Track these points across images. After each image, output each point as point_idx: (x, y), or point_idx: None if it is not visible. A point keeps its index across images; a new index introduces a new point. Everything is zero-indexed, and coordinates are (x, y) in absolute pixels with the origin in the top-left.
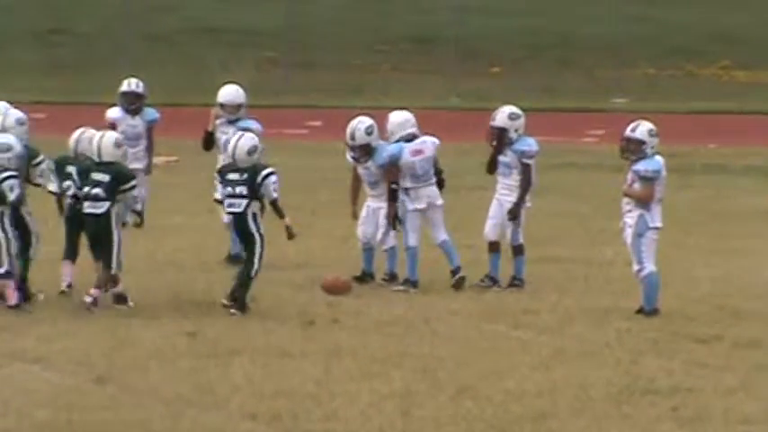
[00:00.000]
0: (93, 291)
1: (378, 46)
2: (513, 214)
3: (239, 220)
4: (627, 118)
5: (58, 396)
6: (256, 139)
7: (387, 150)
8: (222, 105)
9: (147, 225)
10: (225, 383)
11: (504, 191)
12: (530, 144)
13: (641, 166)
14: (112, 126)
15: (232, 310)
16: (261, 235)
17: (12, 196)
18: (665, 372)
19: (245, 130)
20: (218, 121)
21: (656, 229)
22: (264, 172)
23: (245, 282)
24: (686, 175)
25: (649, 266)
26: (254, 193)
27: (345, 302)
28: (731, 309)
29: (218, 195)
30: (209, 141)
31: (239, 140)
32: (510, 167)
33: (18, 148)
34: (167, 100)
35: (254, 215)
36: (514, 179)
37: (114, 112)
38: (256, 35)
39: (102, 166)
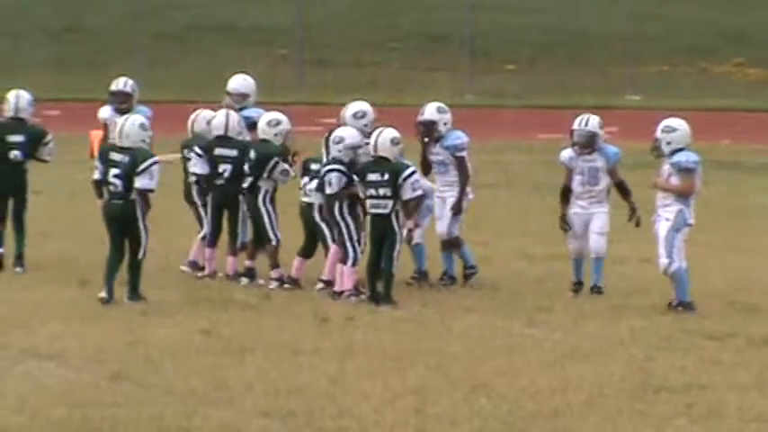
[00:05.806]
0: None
1: (390, 43)
2: (457, 209)
3: (382, 220)
4: (640, 115)
5: (72, 393)
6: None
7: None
8: (228, 93)
9: (160, 223)
10: (239, 380)
11: (444, 187)
12: (459, 137)
13: (682, 158)
14: (104, 126)
15: (383, 308)
16: (401, 232)
17: (328, 190)
18: (679, 369)
19: (247, 118)
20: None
21: (690, 225)
22: (406, 172)
23: (388, 278)
24: None
25: (678, 262)
26: (397, 192)
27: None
28: (744, 306)
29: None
30: None
31: (381, 134)
32: (445, 164)
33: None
34: (179, 97)
35: (396, 213)
36: (452, 175)
37: (105, 112)
38: (268, 32)
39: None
